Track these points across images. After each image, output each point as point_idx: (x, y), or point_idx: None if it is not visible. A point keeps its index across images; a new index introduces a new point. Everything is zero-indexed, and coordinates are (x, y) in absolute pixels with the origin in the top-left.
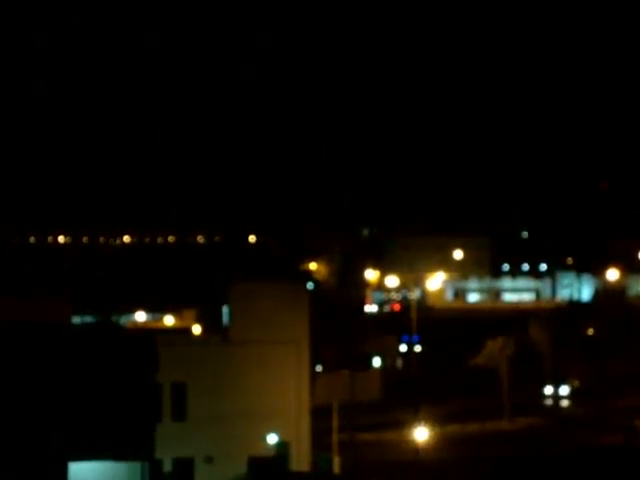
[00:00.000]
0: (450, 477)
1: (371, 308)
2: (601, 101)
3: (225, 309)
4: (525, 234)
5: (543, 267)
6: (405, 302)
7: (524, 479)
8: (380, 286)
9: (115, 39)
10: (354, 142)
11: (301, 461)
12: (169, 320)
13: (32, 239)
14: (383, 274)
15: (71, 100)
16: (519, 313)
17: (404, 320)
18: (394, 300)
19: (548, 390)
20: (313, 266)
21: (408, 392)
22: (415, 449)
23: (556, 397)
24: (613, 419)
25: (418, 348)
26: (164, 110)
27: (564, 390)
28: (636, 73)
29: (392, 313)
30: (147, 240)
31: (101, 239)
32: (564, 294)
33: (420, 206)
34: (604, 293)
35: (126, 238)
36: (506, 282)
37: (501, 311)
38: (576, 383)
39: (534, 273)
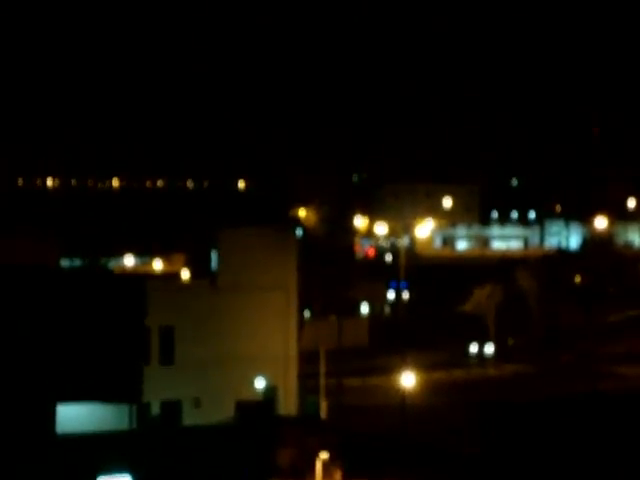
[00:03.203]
0: (436, 421)
1: (388, 258)
2: (591, 46)
3: (214, 254)
4: (514, 182)
5: (532, 215)
6: (394, 249)
7: (507, 424)
8: (369, 233)
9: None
10: (343, 88)
11: (288, 405)
12: (158, 264)
13: (20, 181)
14: (372, 221)
15: (63, 43)
16: (507, 261)
17: (384, 264)
18: (369, 245)
19: (473, 348)
20: (302, 212)
21: (395, 339)
22: (401, 394)
23: (480, 356)
24: (599, 367)
25: (406, 295)
26: (154, 54)
27: (489, 348)
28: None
29: (372, 259)
30: (136, 184)
31: (90, 182)
32: (552, 242)
33: (410, 153)
34: (592, 241)
35: (115, 182)
36: (495, 230)
37: (489, 259)
38: (510, 341)
39: (523, 221)
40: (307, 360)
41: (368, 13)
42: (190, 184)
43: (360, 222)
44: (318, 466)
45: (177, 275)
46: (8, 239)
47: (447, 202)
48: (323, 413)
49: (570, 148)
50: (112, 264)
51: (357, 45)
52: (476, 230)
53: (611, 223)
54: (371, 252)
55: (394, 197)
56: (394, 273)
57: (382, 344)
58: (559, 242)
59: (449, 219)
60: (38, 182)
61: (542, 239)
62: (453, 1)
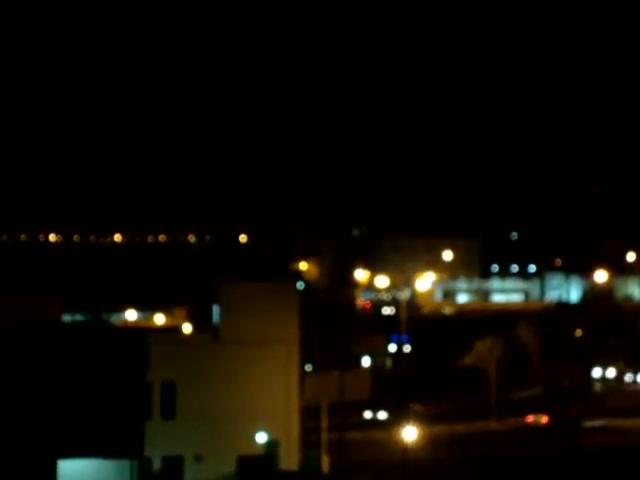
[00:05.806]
0: (437, 477)
1: (389, 311)
2: (590, 103)
3: (215, 308)
4: (514, 235)
5: (532, 268)
6: (395, 302)
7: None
8: (370, 286)
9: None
10: (345, 143)
11: (290, 460)
12: (160, 319)
13: (23, 237)
14: (373, 274)
15: (64, 98)
16: (508, 314)
17: (385, 317)
18: (368, 299)
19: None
20: (303, 266)
21: (397, 392)
22: (403, 448)
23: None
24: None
25: (407, 348)
26: (156, 110)
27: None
28: (629, 77)
29: (370, 311)
30: (138, 239)
31: (92, 238)
32: (552, 295)
33: (410, 207)
34: (592, 294)
35: (117, 237)
36: (495, 283)
37: (490, 312)
38: (418, 407)
39: (523, 274)
40: (309, 413)
41: (362, 65)
42: (192, 239)
43: (361, 275)
44: None
45: (179, 329)
46: (10, 294)
47: (447, 255)
48: (325, 468)
49: (570, 203)
50: (114, 319)
51: (355, 98)
52: (477, 283)
53: (611, 277)
54: (367, 305)
55: (395, 251)
56: (395, 326)
57: (384, 397)
58: (559, 295)
59: (449, 272)
60: (41, 237)
61: (542, 292)
62: (450, 52)
